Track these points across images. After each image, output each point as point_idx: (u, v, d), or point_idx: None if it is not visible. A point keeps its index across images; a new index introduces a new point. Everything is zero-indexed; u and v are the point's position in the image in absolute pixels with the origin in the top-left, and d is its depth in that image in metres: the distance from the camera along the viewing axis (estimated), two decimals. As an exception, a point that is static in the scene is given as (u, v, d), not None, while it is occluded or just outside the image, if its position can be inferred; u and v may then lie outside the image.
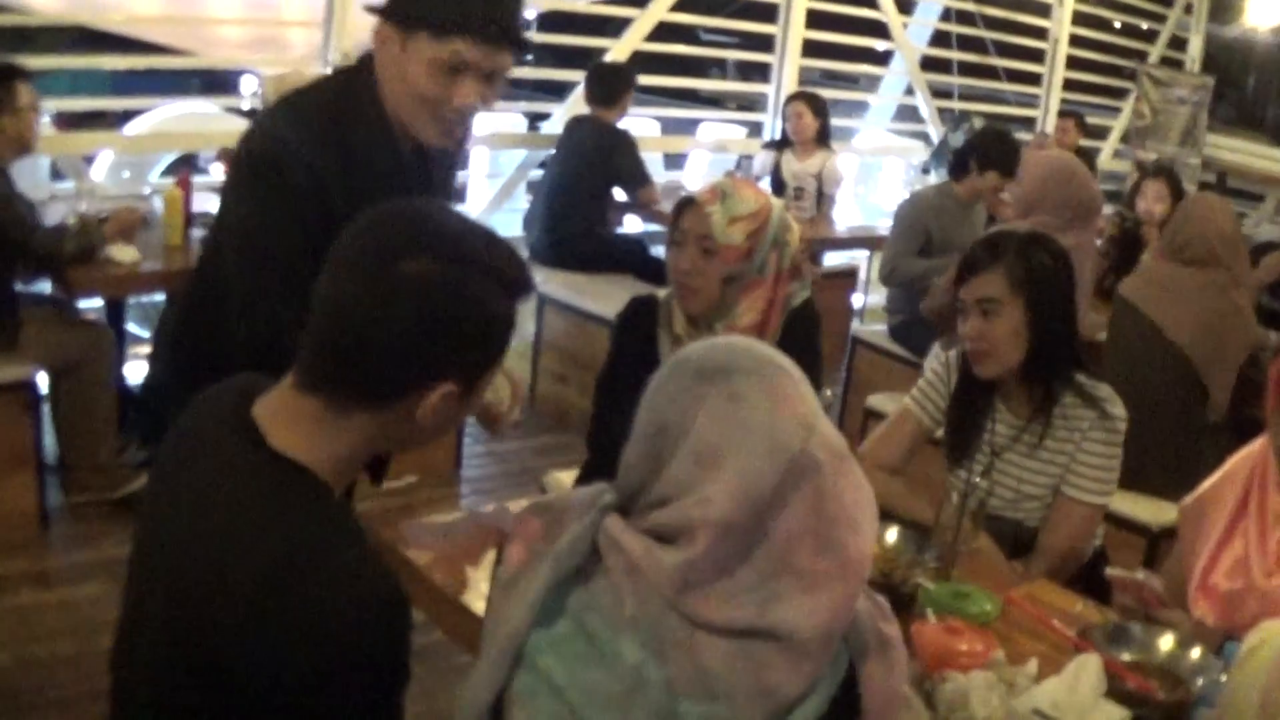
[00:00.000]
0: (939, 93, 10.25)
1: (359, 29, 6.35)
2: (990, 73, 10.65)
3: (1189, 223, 4.50)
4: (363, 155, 2.57)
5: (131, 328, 5.69)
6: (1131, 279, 4.68)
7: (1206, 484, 2.85)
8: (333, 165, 2.52)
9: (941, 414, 3.27)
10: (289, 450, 1.64)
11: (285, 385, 1.69)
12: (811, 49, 8.87)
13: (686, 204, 3.03)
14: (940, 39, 10.25)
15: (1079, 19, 10.89)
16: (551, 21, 8.97)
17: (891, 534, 2.75)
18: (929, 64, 10.15)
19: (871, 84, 10.43)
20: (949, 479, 3.21)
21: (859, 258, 8.46)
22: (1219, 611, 2.67)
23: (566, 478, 3.49)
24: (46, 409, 4.73)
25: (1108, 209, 8.66)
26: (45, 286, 4.90)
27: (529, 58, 11.58)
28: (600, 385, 3.27)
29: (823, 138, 7.65)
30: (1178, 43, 12.17)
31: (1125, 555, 3.84)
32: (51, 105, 5.73)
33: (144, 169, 7.07)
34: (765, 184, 7.60)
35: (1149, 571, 2.86)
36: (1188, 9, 12.10)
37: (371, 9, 2.56)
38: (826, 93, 8.39)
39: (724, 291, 3.02)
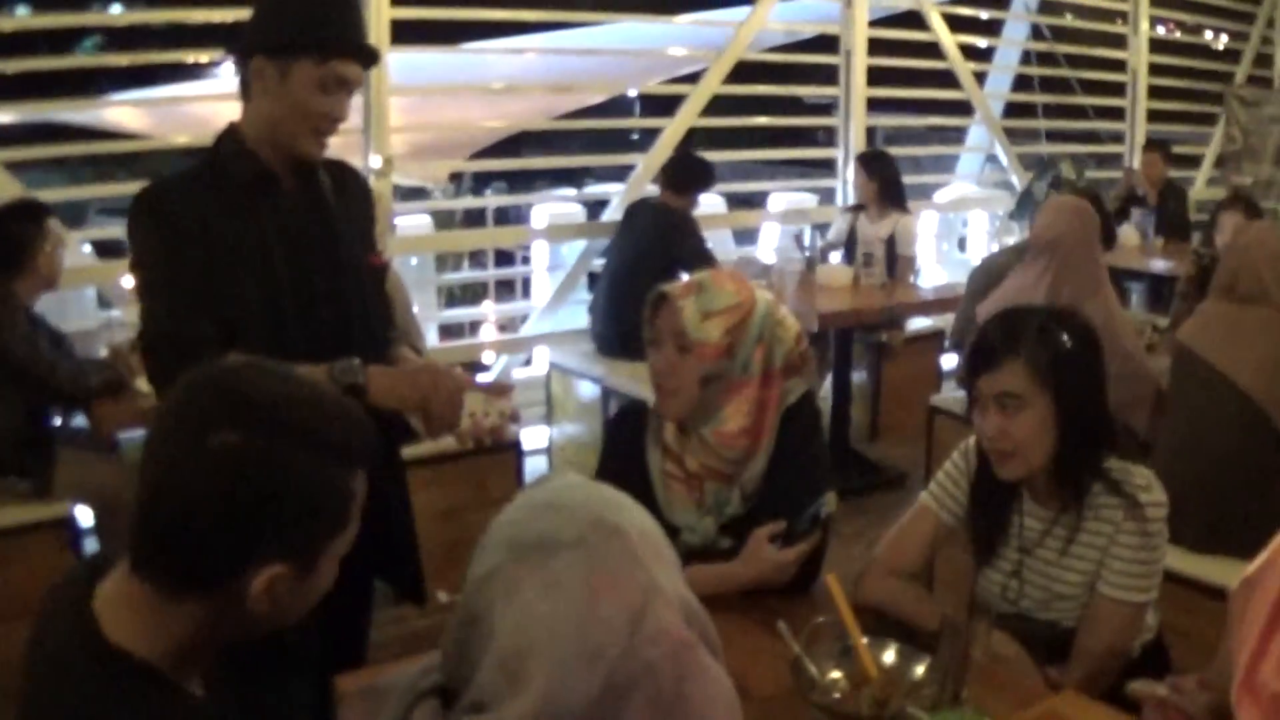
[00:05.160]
0: (1025, 136, 9.96)
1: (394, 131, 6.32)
2: (1077, 112, 10.36)
3: (1235, 254, 4.16)
4: (244, 194, 2.80)
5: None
6: (1189, 323, 4.29)
7: (1254, 564, 2.57)
8: (211, 202, 2.75)
9: (962, 509, 2.93)
10: (124, 642, 1.54)
11: (123, 569, 1.58)
12: (887, 105, 8.60)
13: (660, 300, 2.78)
14: (1022, 82, 10.00)
15: (1156, 46, 10.60)
16: (605, 106, 8.85)
17: (889, 655, 2.39)
18: (1014, 109, 9.85)
19: (959, 136, 10.17)
20: (978, 580, 2.95)
21: (946, 319, 8.15)
22: (1266, 716, 2.38)
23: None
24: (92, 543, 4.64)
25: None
26: (83, 421, 4.83)
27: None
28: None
29: (892, 199, 7.34)
30: (1263, 60, 11.84)
31: (1209, 626, 3.54)
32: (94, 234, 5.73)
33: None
34: (841, 251, 7.34)
35: (1175, 679, 2.57)
36: (1270, 23, 11.76)
37: (248, 48, 2.79)
38: (906, 150, 8.13)
39: (704, 393, 2.75)
